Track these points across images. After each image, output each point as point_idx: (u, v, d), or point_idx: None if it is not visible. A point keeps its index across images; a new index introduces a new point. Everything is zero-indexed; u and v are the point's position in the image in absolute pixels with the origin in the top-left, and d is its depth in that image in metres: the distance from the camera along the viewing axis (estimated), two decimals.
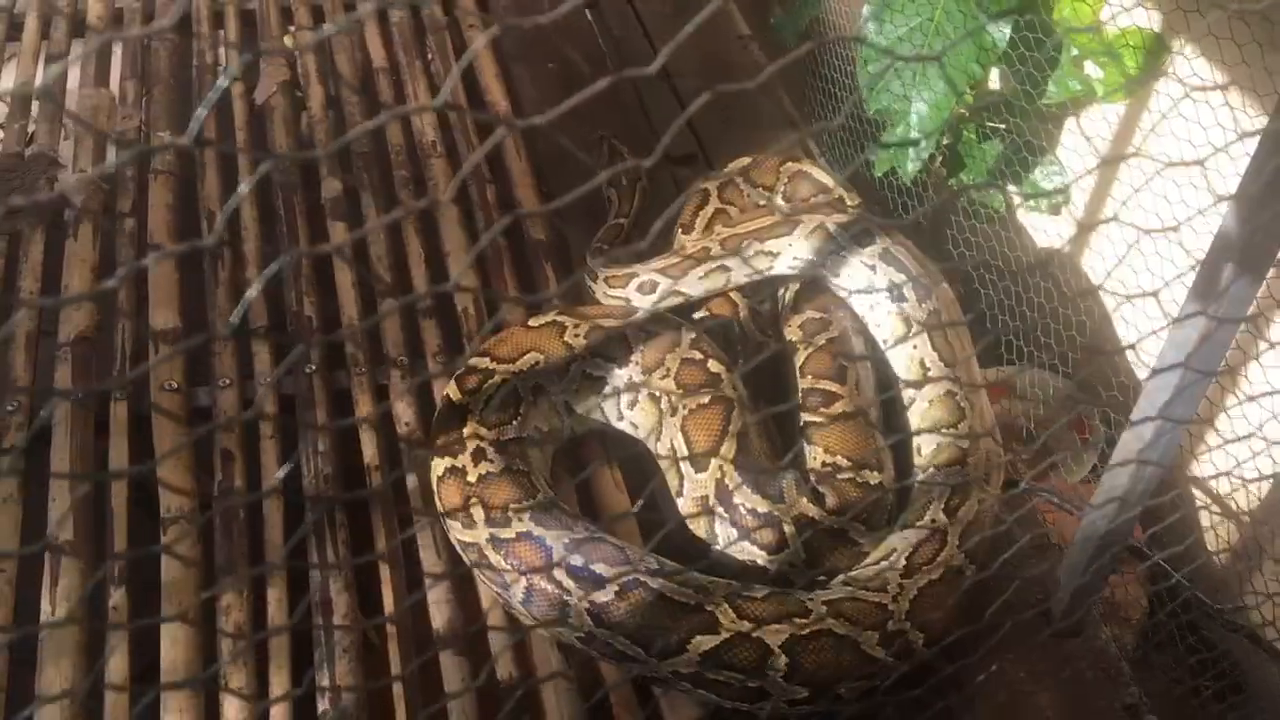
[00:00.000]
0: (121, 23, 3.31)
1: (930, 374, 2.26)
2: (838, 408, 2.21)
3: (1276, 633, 2.21)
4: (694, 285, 2.35)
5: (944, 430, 2.18)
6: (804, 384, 2.27)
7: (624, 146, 2.80)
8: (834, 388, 2.24)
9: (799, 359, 2.33)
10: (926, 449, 2.22)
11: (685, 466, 2.10)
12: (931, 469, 2.15)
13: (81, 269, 2.52)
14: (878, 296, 2.35)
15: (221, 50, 3.27)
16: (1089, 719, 1.91)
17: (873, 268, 2.35)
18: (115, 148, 2.88)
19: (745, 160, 2.67)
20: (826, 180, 2.58)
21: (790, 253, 2.36)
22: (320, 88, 3.11)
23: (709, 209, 2.56)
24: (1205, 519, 2.41)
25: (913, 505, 2.11)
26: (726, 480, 2.05)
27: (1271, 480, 2.23)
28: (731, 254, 2.33)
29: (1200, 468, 2.40)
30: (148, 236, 2.63)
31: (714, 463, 2.06)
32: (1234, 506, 2.35)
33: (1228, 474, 2.25)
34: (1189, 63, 2.27)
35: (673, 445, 2.14)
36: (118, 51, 3.18)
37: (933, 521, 2.02)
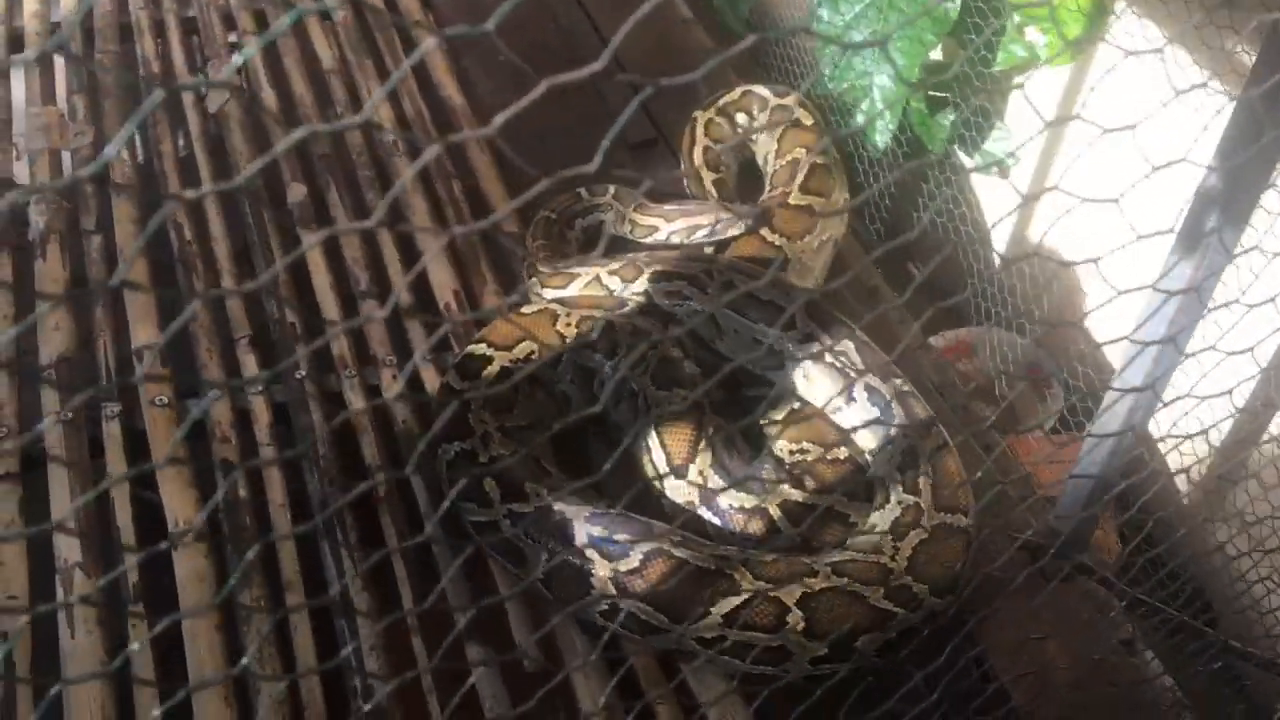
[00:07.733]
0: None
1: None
2: (783, 406, 2.28)
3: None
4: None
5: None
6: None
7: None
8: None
9: None
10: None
11: (665, 472, 2.11)
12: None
13: (54, 289, 2.48)
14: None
15: (167, 58, 3.22)
16: (1091, 656, 2.00)
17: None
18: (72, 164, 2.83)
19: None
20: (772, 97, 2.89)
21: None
22: (272, 92, 3.09)
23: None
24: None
25: (880, 486, 2.16)
26: (709, 485, 2.09)
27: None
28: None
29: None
30: (116, 251, 2.60)
31: (693, 469, 2.09)
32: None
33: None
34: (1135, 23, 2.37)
35: (648, 446, 2.14)
36: (61, 66, 3.12)
37: (902, 495, 2.08)
